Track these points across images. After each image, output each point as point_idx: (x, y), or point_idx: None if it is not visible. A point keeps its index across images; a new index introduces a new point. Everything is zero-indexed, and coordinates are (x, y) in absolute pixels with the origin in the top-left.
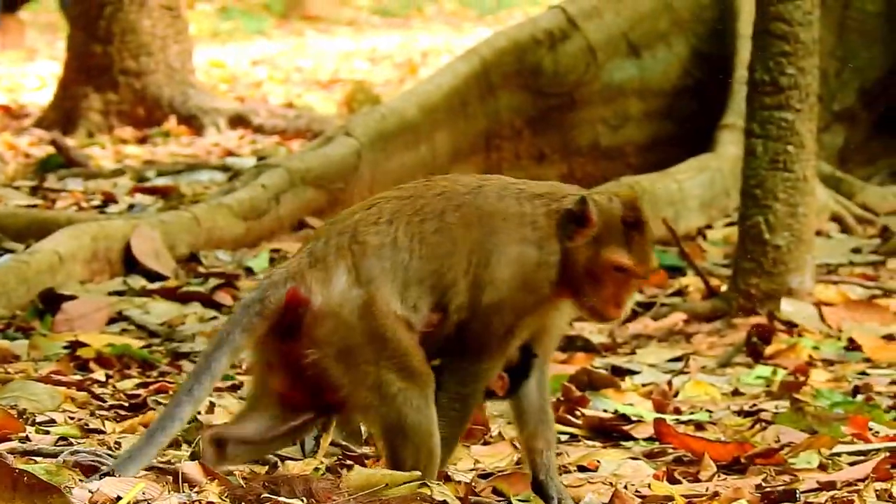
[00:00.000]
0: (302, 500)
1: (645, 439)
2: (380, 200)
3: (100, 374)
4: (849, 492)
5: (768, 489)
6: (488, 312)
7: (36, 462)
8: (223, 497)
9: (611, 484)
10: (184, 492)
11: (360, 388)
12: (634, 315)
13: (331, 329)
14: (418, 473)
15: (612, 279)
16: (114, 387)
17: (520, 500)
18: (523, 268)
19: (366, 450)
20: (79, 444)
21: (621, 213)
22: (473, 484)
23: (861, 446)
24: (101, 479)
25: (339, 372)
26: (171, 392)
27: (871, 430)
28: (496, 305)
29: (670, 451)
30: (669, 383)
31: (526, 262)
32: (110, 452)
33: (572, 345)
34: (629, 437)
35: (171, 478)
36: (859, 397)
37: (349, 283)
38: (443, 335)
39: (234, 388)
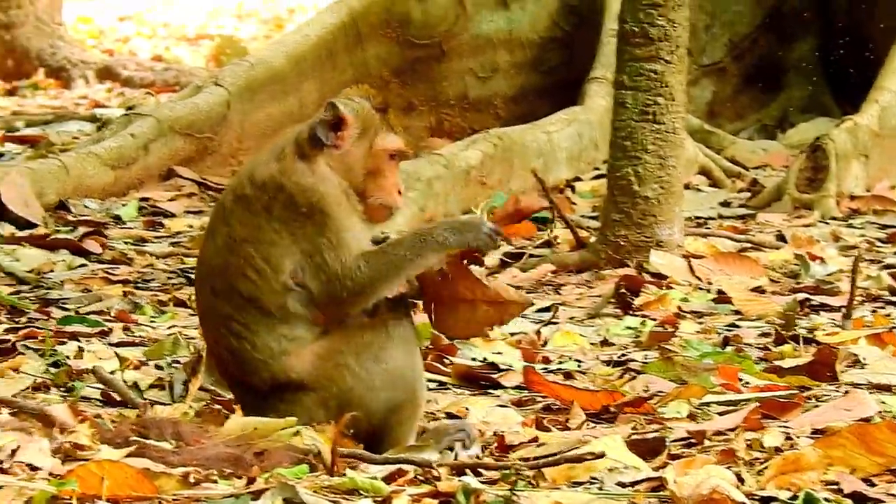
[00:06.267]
0: (171, 443)
1: (514, 388)
2: None
3: None
4: (719, 441)
5: (638, 438)
6: None
7: None
8: (94, 440)
9: (480, 431)
10: (55, 437)
11: None
12: (503, 265)
13: None
14: (293, 420)
15: (388, 167)
16: None
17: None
18: None
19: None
20: None
21: (371, 103)
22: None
23: (731, 396)
24: None
25: None
26: (39, 337)
27: (741, 380)
28: None
29: (539, 399)
30: (538, 333)
31: None
32: None
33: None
34: (498, 386)
35: (39, 422)
36: (729, 349)
37: None
38: None
39: (103, 335)
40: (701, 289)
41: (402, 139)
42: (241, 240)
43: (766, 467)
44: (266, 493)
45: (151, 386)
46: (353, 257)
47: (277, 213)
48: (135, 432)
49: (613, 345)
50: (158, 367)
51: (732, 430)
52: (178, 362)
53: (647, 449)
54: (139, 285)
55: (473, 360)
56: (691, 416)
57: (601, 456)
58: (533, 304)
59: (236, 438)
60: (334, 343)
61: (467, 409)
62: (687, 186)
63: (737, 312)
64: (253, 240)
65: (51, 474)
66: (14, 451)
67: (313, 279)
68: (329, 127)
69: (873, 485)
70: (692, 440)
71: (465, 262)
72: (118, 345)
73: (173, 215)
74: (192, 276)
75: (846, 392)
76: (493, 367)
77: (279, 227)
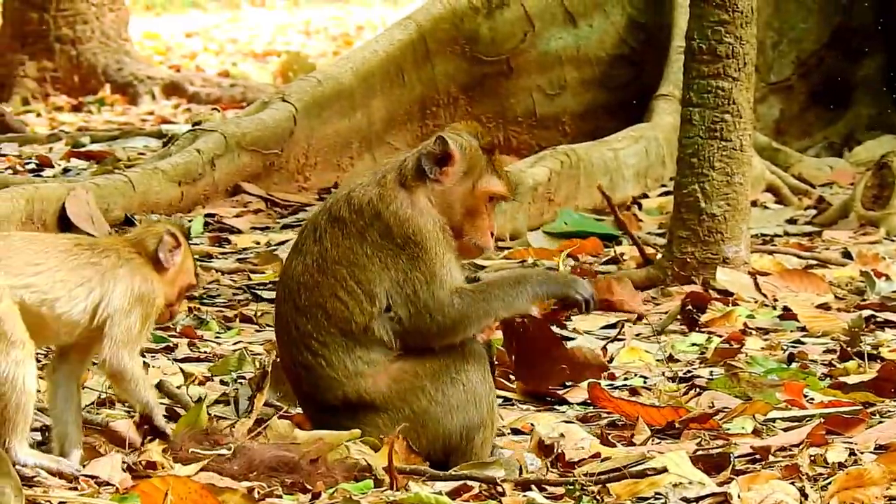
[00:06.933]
0: (228, 449)
1: (579, 404)
2: None
3: None
4: (783, 457)
5: (703, 453)
6: None
7: None
8: (166, 455)
9: (548, 445)
10: (127, 451)
11: None
12: None
13: None
14: (357, 432)
15: (487, 208)
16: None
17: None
18: None
19: (299, 410)
20: None
21: (479, 142)
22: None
23: (796, 412)
24: None
25: None
26: None
27: (805, 396)
28: None
29: (604, 415)
30: (604, 349)
31: None
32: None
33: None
34: (563, 402)
35: (103, 437)
36: (794, 365)
37: None
38: None
39: (169, 350)
40: (766, 305)
41: (505, 182)
42: (332, 261)
43: (829, 483)
44: None
45: (216, 401)
46: (447, 293)
47: (371, 239)
48: (192, 440)
49: (679, 361)
50: (223, 383)
51: (797, 445)
52: (243, 378)
53: (711, 464)
54: (205, 301)
55: None
56: (756, 432)
57: (663, 471)
58: (608, 368)
59: (284, 445)
60: (410, 365)
61: (532, 424)
62: (754, 203)
63: (802, 329)
64: (346, 262)
65: (116, 490)
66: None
67: (403, 308)
68: (435, 161)
69: None
70: (757, 456)
71: (553, 315)
72: (183, 360)
73: (239, 231)
74: (259, 293)
75: None
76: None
77: (371, 253)
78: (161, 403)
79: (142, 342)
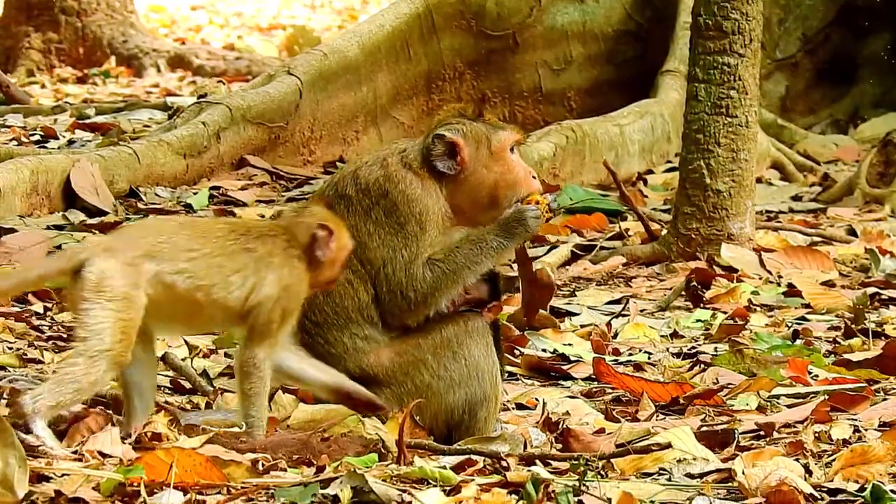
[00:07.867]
0: (240, 427)
1: (584, 379)
2: None
3: (38, 307)
4: (787, 433)
5: (707, 429)
6: None
7: None
8: (171, 427)
9: (553, 420)
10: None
11: None
12: (574, 257)
13: None
14: None
15: (513, 160)
16: (52, 318)
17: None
18: None
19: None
20: (16, 372)
21: (467, 116)
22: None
23: (800, 389)
24: None
25: None
26: None
27: (810, 373)
28: None
29: (609, 390)
30: (609, 325)
31: None
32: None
33: (512, 285)
34: (568, 377)
35: (109, 410)
36: (798, 342)
37: None
38: None
39: None
40: (771, 282)
41: (512, 128)
42: None
43: (833, 459)
44: (335, 482)
45: (221, 374)
46: (419, 267)
47: (375, 217)
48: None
49: (683, 337)
50: (228, 356)
51: (801, 422)
52: None
53: (716, 440)
54: None
55: (544, 351)
56: (760, 409)
57: (668, 447)
58: (556, 289)
59: (303, 424)
60: (412, 339)
61: (537, 399)
62: (759, 180)
63: (807, 306)
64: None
65: (120, 461)
66: (85, 438)
67: (379, 286)
68: (446, 157)
69: None
70: (761, 432)
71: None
72: None
73: (244, 204)
74: None
75: None
76: (564, 358)
77: (373, 230)
78: (165, 376)
79: (279, 338)
